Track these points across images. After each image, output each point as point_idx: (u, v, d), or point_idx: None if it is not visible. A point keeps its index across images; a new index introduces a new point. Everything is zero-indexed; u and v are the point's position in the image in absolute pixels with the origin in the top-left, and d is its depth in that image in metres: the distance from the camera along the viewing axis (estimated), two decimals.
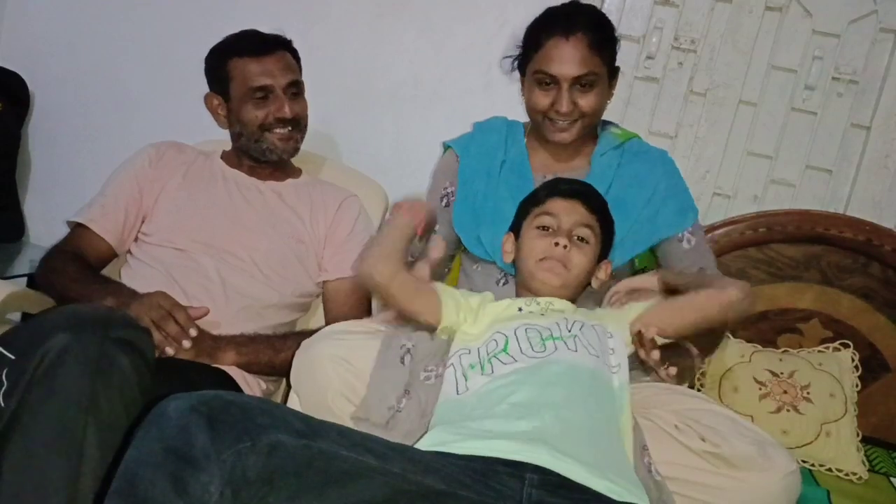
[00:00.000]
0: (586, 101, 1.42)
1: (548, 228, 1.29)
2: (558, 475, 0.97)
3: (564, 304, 1.27)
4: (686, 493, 1.11)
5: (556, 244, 1.26)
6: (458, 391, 1.13)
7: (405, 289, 1.25)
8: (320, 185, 1.70)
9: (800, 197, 2.00)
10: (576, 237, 1.28)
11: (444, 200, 1.57)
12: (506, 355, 1.14)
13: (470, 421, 1.06)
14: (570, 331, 1.17)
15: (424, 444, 1.03)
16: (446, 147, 1.63)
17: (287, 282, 1.56)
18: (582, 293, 1.34)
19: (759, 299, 1.88)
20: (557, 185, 1.35)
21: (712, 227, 1.90)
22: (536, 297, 1.27)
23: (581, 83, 1.41)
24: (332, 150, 2.10)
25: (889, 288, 1.85)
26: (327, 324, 1.54)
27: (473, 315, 1.24)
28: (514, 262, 1.37)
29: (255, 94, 1.57)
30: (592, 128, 1.53)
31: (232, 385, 1.41)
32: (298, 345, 1.29)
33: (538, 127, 1.50)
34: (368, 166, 1.93)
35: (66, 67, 2.27)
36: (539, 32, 1.44)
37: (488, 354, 1.16)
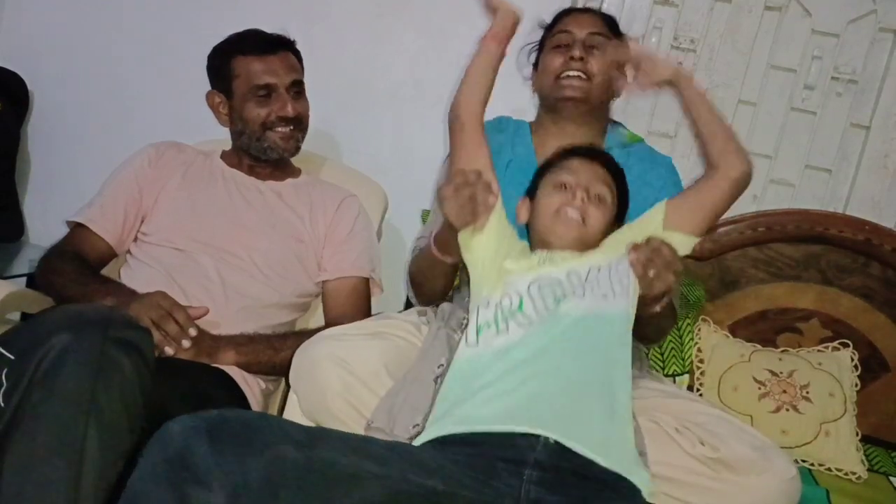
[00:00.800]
0: (597, 60, 1.47)
1: (565, 186, 1.26)
2: (556, 471, 0.97)
3: (578, 256, 1.24)
4: (685, 499, 1.11)
5: (574, 196, 1.24)
6: (467, 341, 1.15)
7: (479, 136, 1.29)
8: (320, 185, 1.70)
9: (799, 196, 2.00)
10: (594, 194, 1.25)
11: None
12: (521, 315, 1.14)
13: (477, 390, 1.07)
14: (586, 279, 1.16)
15: (429, 435, 1.04)
16: None
17: (287, 282, 1.56)
18: None
19: (759, 299, 1.89)
20: (576, 148, 1.33)
21: (713, 227, 1.90)
22: (552, 252, 1.24)
23: (593, 42, 1.48)
24: (332, 149, 2.10)
25: (888, 287, 1.85)
26: (327, 324, 1.54)
27: (505, 253, 1.23)
28: (527, 226, 1.33)
29: (259, 93, 1.57)
30: (602, 118, 1.54)
31: (231, 384, 1.42)
32: (298, 344, 1.29)
33: (550, 95, 1.51)
34: (368, 166, 1.93)
35: (65, 67, 2.27)
36: (556, 17, 1.57)
37: (502, 312, 1.15)
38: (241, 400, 1.42)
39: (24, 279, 1.95)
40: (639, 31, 2.02)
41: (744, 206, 2.01)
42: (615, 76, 1.43)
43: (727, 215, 1.95)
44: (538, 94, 1.57)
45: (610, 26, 1.53)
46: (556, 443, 0.99)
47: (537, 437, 1.00)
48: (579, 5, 1.71)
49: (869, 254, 1.85)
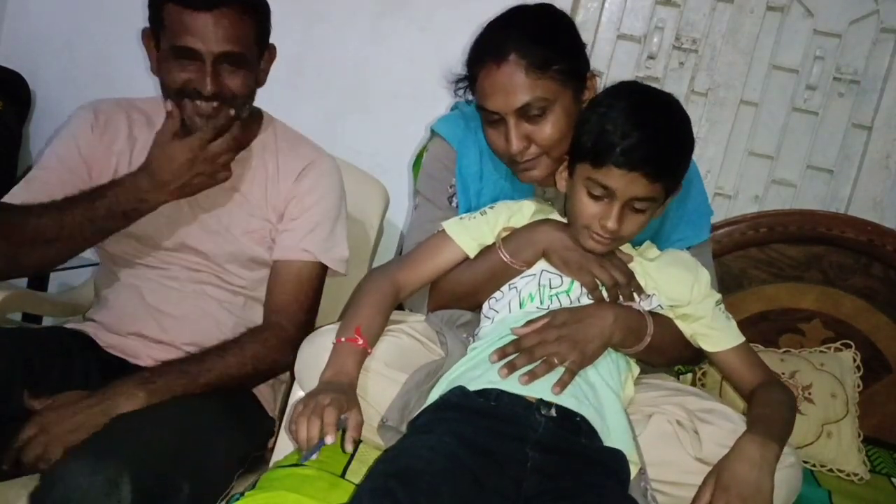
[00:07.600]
0: (542, 132, 1.21)
1: (600, 197, 1.13)
2: (554, 450, 1.01)
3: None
4: (682, 495, 1.11)
5: (607, 215, 1.12)
6: (510, 310, 1.20)
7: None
8: (285, 146, 1.46)
9: (801, 197, 2.00)
10: (629, 208, 1.13)
11: (454, 200, 1.38)
12: (566, 297, 1.19)
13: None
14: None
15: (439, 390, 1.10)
16: (434, 133, 1.41)
17: (249, 270, 1.41)
18: None
19: (761, 299, 1.88)
20: (615, 148, 1.09)
21: (714, 227, 1.90)
22: None
23: (529, 113, 1.20)
24: (332, 149, 2.09)
25: (890, 288, 1.84)
26: (265, 311, 1.38)
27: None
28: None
29: (179, 54, 1.26)
30: None
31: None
32: (221, 362, 1.24)
33: (512, 171, 1.31)
34: (369, 166, 1.93)
35: (67, 67, 2.27)
36: (472, 63, 1.25)
37: (552, 289, 1.19)
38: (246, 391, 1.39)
39: (24, 279, 1.95)
40: (640, 31, 2.02)
41: (745, 206, 2.01)
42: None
43: (729, 216, 1.96)
44: None
45: (537, 63, 1.18)
46: (556, 420, 1.04)
47: (540, 411, 1.04)
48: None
49: (871, 254, 1.85)
